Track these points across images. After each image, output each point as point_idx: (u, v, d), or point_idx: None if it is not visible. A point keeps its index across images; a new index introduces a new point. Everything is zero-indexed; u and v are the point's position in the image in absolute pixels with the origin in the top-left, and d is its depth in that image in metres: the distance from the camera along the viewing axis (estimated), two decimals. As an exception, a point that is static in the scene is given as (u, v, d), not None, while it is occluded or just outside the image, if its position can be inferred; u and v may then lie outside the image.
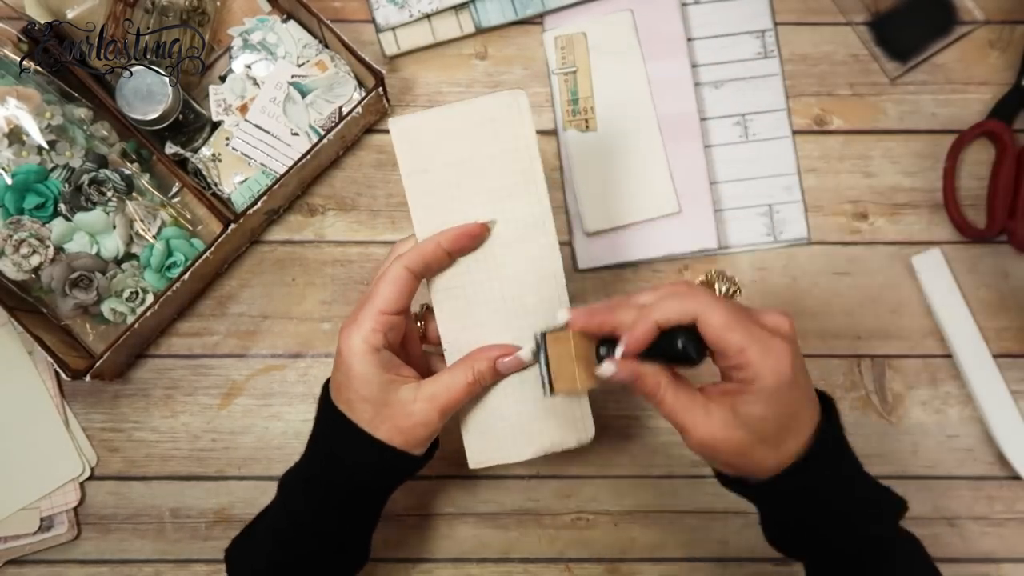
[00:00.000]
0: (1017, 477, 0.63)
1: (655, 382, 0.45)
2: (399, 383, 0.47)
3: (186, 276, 0.60)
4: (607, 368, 0.45)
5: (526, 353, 0.48)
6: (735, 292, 0.63)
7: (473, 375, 0.48)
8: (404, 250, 0.49)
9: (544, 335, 0.46)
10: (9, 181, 0.59)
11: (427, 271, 0.48)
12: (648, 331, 0.44)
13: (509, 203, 0.49)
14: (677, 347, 0.44)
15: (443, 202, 0.49)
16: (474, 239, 0.48)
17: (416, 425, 0.47)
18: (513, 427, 0.50)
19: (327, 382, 0.51)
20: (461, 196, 0.49)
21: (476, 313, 0.50)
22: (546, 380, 0.46)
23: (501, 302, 0.49)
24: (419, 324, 0.53)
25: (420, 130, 0.49)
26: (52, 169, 0.61)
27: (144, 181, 0.64)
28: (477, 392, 0.49)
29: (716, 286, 0.63)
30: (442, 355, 0.51)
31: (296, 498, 0.50)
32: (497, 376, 0.49)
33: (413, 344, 0.52)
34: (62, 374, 0.58)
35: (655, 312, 0.44)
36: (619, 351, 0.45)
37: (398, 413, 0.47)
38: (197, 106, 0.65)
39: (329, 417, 0.49)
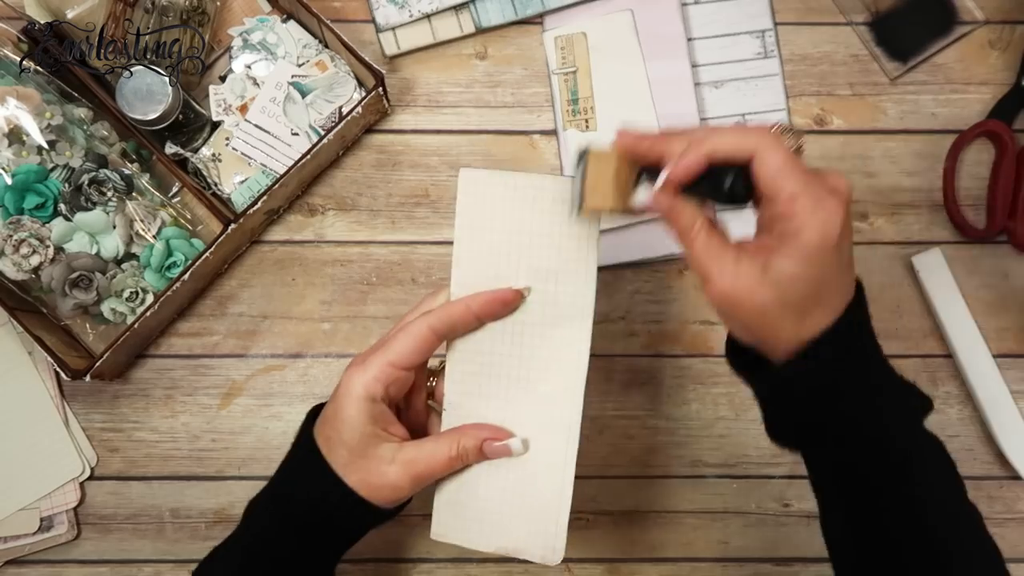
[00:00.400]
0: (1017, 477, 0.63)
1: (690, 222, 0.42)
2: (382, 439, 0.45)
3: (186, 276, 0.60)
4: (642, 194, 0.42)
5: (516, 444, 0.47)
6: (799, 149, 0.58)
7: (457, 450, 0.46)
8: (433, 304, 0.47)
9: (586, 151, 0.43)
10: (9, 181, 0.59)
11: (452, 333, 0.47)
12: (699, 160, 0.41)
13: (553, 286, 0.46)
14: (724, 184, 0.41)
15: (488, 265, 0.47)
16: (506, 306, 0.46)
17: (385, 486, 0.45)
18: (485, 512, 0.48)
19: (315, 408, 0.49)
20: (508, 265, 0.47)
21: (486, 385, 0.48)
22: (578, 196, 0.43)
23: (515, 382, 0.47)
24: (431, 380, 0.51)
25: (489, 185, 0.47)
26: (52, 169, 0.61)
27: (144, 181, 0.64)
28: (457, 467, 0.47)
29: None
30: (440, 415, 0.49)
31: (256, 524, 0.48)
32: (481, 457, 0.47)
33: (418, 397, 0.50)
34: (62, 374, 0.58)
35: (709, 142, 0.41)
36: (662, 176, 0.42)
37: (372, 468, 0.45)
38: (197, 106, 0.65)
39: (305, 447, 0.47)
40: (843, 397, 0.43)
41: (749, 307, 0.41)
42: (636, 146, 0.43)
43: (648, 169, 0.43)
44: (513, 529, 0.48)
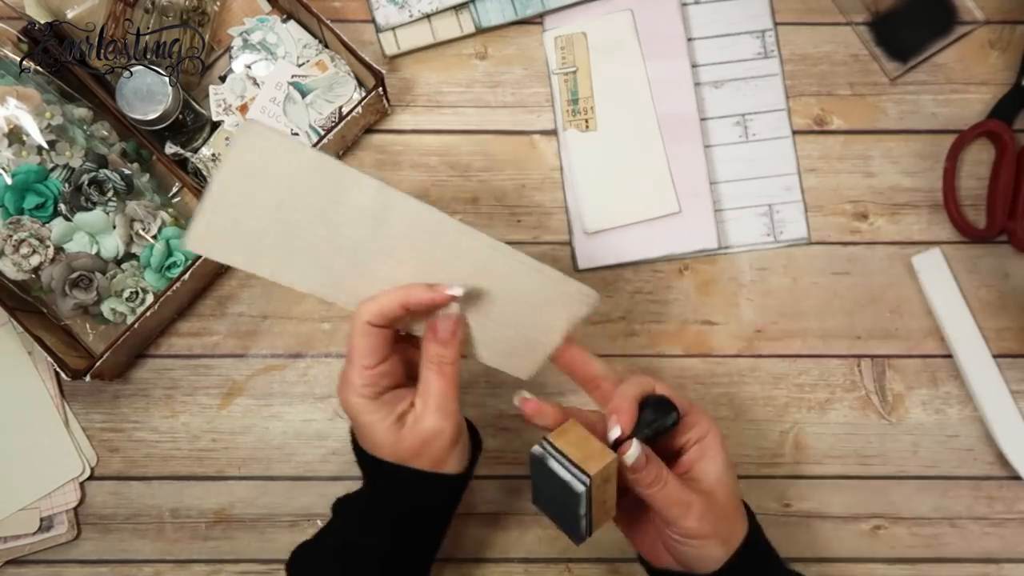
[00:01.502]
0: (1017, 477, 0.63)
1: (656, 472, 0.45)
2: (405, 414, 0.47)
3: (186, 276, 0.60)
4: (635, 451, 0.44)
5: (452, 309, 0.46)
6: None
7: (432, 360, 0.47)
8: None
9: (589, 480, 0.43)
10: (9, 181, 0.59)
11: (391, 323, 0.47)
12: (632, 408, 0.46)
13: (336, 208, 0.44)
14: (668, 417, 0.46)
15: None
16: (436, 307, 0.47)
17: (428, 440, 0.47)
18: (525, 335, 0.49)
19: (352, 428, 0.51)
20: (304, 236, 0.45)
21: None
22: (586, 524, 0.45)
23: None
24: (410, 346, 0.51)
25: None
26: (52, 169, 0.61)
27: (144, 181, 0.64)
28: (451, 372, 0.47)
29: None
30: None
31: (353, 531, 0.50)
32: (450, 344, 0.47)
33: (414, 361, 0.50)
34: (62, 374, 0.58)
35: (629, 389, 0.47)
36: (614, 432, 0.45)
37: (410, 440, 0.47)
38: (197, 106, 0.65)
39: (361, 459, 0.50)
40: None
41: (709, 537, 0.46)
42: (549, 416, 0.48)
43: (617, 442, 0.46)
44: (548, 319, 0.49)
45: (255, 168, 0.43)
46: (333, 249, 0.46)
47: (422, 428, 0.47)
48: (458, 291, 0.46)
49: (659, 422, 0.46)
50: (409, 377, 0.49)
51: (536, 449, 0.44)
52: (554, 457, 0.44)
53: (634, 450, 0.44)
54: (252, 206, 0.44)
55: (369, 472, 0.50)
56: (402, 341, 0.50)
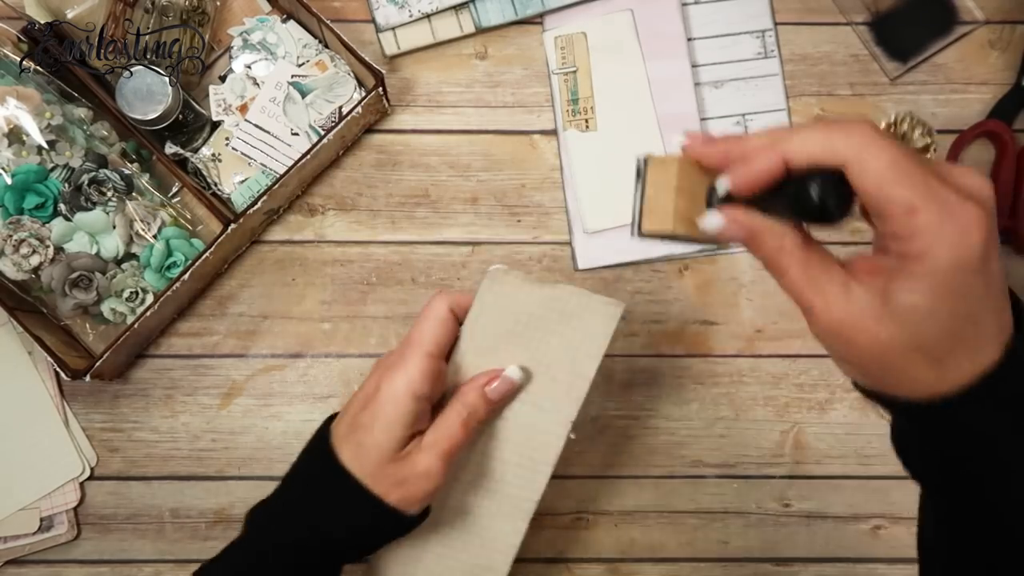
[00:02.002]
0: (1017, 477, 0.63)
1: (778, 244, 0.34)
2: (412, 438, 0.45)
3: (186, 276, 0.60)
4: (712, 220, 0.35)
5: (514, 371, 0.47)
6: (929, 148, 0.41)
7: (466, 410, 0.45)
8: (438, 307, 0.47)
9: (646, 159, 0.37)
10: (9, 181, 0.59)
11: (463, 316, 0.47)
12: (771, 165, 0.33)
13: (550, 385, 0.48)
14: (810, 198, 0.33)
15: (492, 345, 0.48)
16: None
17: (417, 476, 0.44)
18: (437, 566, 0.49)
19: (330, 418, 0.48)
20: (507, 352, 0.48)
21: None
22: (636, 213, 0.37)
23: (493, 443, 0.49)
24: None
25: (512, 286, 0.48)
26: (52, 169, 0.61)
27: (144, 181, 0.64)
28: (475, 428, 0.46)
29: (902, 133, 0.42)
30: None
31: (264, 541, 0.46)
32: (490, 405, 0.46)
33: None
34: (62, 374, 0.58)
35: (786, 142, 0.33)
36: (722, 184, 0.34)
37: (402, 466, 0.44)
38: (197, 106, 0.65)
39: (323, 462, 0.45)
40: (999, 447, 0.34)
41: (867, 347, 0.33)
42: (705, 152, 0.36)
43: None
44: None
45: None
46: None
47: (418, 462, 0.44)
48: (516, 373, 0.47)
49: (802, 198, 0.33)
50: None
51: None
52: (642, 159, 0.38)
53: (710, 219, 0.35)
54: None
55: (320, 482, 0.45)
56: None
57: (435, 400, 0.47)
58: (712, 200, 0.36)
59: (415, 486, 0.44)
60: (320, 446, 0.46)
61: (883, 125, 0.45)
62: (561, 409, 0.48)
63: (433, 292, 0.50)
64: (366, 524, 0.45)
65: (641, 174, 0.37)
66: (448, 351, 0.47)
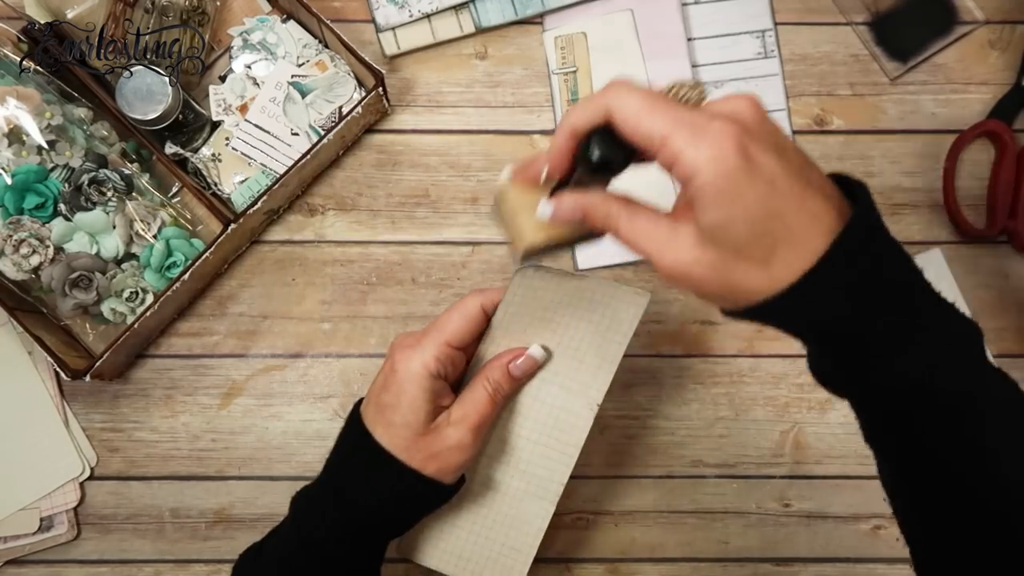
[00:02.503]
0: (1017, 477, 0.63)
1: (604, 210, 0.38)
2: (438, 412, 0.47)
3: (186, 276, 0.60)
4: (543, 209, 0.40)
5: (537, 350, 0.49)
6: (704, 97, 0.47)
7: (491, 385, 0.48)
8: (470, 304, 0.49)
9: (494, 202, 0.44)
10: (9, 181, 0.59)
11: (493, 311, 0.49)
12: (564, 140, 0.38)
13: (578, 367, 0.50)
14: (592, 153, 0.38)
15: (523, 332, 0.50)
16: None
17: (451, 450, 0.46)
18: (457, 541, 0.51)
19: (359, 403, 0.50)
20: (536, 337, 0.50)
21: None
22: (510, 248, 0.44)
23: (521, 421, 0.51)
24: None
25: (541, 281, 0.50)
26: (52, 169, 0.61)
27: (144, 181, 0.64)
28: (501, 403, 0.49)
29: (677, 94, 0.48)
30: None
31: (309, 523, 0.48)
32: (514, 382, 0.49)
33: (460, 375, 0.52)
34: (62, 374, 0.58)
35: (567, 119, 0.38)
36: (542, 174, 0.39)
37: (434, 441, 0.46)
38: (197, 106, 0.65)
39: (356, 441, 0.48)
40: (866, 339, 0.36)
41: (700, 273, 0.36)
42: (523, 172, 0.41)
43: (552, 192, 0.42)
44: (477, 563, 0.51)
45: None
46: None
47: (449, 436, 0.46)
48: (539, 352, 0.49)
49: (592, 160, 0.38)
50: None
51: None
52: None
53: (543, 211, 0.40)
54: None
55: (359, 458, 0.47)
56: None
57: (451, 381, 0.49)
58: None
59: (449, 458, 0.47)
60: (355, 429, 0.48)
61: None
62: (588, 391, 0.50)
63: (470, 292, 0.51)
64: (409, 495, 0.47)
65: (495, 216, 0.43)
66: (469, 345, 0.49)
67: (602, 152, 0.38)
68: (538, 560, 0.64)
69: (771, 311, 0.36)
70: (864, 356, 0.36)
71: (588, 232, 0.42)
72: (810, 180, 0.35)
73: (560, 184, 0.41)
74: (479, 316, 0.47)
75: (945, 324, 0.36)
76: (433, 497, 0.48)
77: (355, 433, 0.48)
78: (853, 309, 0.35)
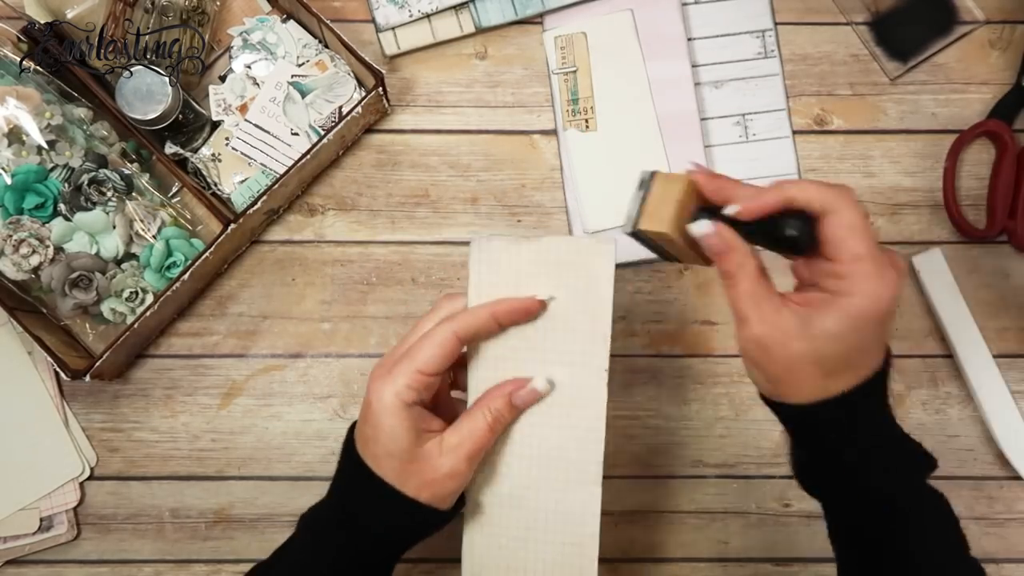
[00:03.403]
0: (1017, 477, 0.63)
1: (740, 261, 0.42)
2: (425, 439, 0.46)
3: (186, 276, 0.60)
4: (704, 226, 0.42)
5: (540, 383, 0.47)
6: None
7: (491, 415, 0.47)
8: (452, 308, 0.48)
9: (654, 172, 0.44)
10: (9, 181, 0.59)
11: (475, 339, 0.47)
12: (774, 202, 0.41)
13: (572, 336, 0.48)
14: (787, 231, 0.41)
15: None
16: (528, 314, 0.47)
17: (444, 477, 0.46)
18: (511, 568, 0.49)
19: (352, 428, 0.49)
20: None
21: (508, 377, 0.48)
22: (635, 213, 0.43)
23: (533, 415, 0.48)
24: (448, 373, 0.51)
25: (500, 252, 0.48)
26: (52, 169, 0.61)
27: (144, 181, 0.64)
28: (499, 432, 0.47)
29: None
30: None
31: (319, 543, 0.49)
32: (515, 412, 0.48)
33: (442, 391, 0.51)
34: (62, 374, 0.58)
35: (790, 187, 0.41)
36: (731, 208, 0.42)
37: (425, 468, 0.46)
38: (197, 106, 0.65)
39: (353, 468, 0.48)
40: (843, 454, 0.44)
41: (780, 356, 0.42)
42: (708, 182, 0.43)
43: (707, 210, 0.44)
44: (544, 573, 0.48)
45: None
46: None
47: (443, 464, 0.46)
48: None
49: (781, 230, 0.42)
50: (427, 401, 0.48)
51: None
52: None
53: (700, 226, 0.42)
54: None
55: (356, 485, 0.48)
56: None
57: (431, 403, 0.48)
58: (697, 217, 0.43)
59: (442, 486, 0.46)
60: (350, 455, 0.48)
61: None
62: (592, 361, 0.48)
63: (444, 295, 0.49)
64: (406, 523, 0.47)
65: (645, 184, 0.44)
66: (445, 369, 0.47)
67: (803, 238, 0.41)
68: (538, 560, 0.64)
69: (813, 408, 0.43)
70: (837, 466, 0.45)
71: (681, 254, 0.45)
72: (889, 332, 0.43)
73: (704, 210, 0.44)
74: (453, 344, 0.46)
75: (906, 455, 0.45)
76: (431, 523, 0.48)
77: (352, 461, 0.48)
78: (869, 420, 0.44)
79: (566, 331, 0.48)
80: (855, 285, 0.40)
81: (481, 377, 0.48)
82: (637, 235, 0.45)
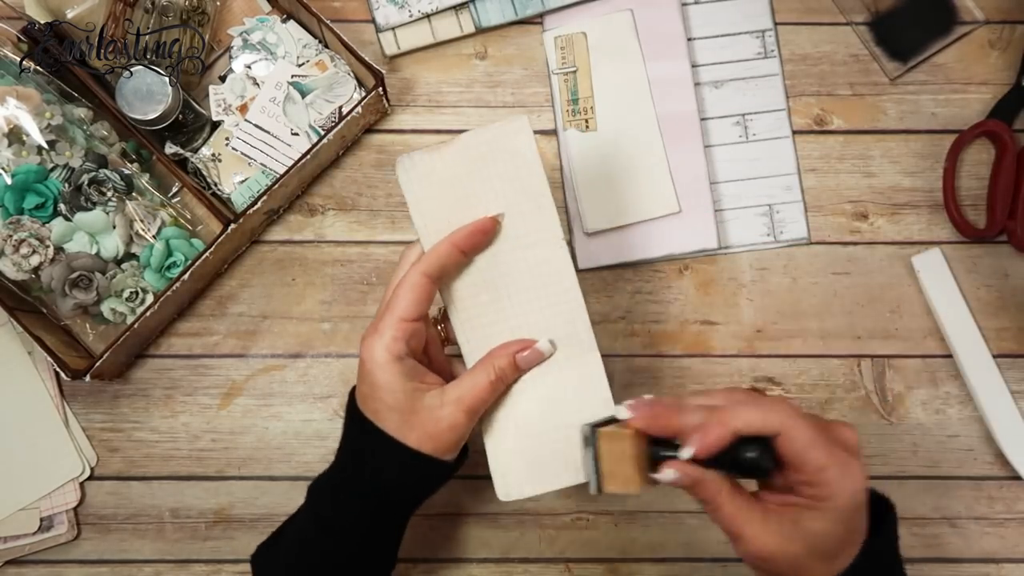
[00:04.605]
0: (1017, 477, 0.63)
1: (716, 488, 0.44)
2: (424, 390, 0.47)
3: (186, 276, 0.60)
4: (669, 474, 0.43)
5: (544, 345, 0.49)
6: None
7: (495, 373, 0.48)
8: (413, 257, 0.49)
9: (594, 429, 0.44)
10: (9, 181, 0.59)
11: (444, 273, 0.48)
12: (723, 437, 0.43)
13: (521, 220, 0.49)
14: (748, 457, 0.43)
15: (451, 225, 0.49)
16: (487, 234, 0.48)
17: (445, 429, 0.47)
18: (540, 451, 0.49)
19: (353, 390, 0.50)
20: (468, 211, 0.49)
21: (489, 314, 0.50)
22: (594, 477, 0.44)
23: (514, 303, 0.50)
24: (439, 328, 0.53)
25: (427, 165, 0.49)
26: (52, 169, 0.61)
27: (144, 181, 0.64)
28: (501, 390, 0.49)
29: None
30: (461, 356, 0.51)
31: (325, 505, 0.50)
32: (518, 372, 0.49)
33: (435, 349, 0.52)
34: (62, 374, 0.58)
35: (734, 419, 0.43)
36: (686, 452, 0.43)
37: (426, 420, 0.47)
38: (197, 106, 0.65)
39: (357, 425, 0.49)
40: None
41: (783, 561, 0.44)
42: (650, 425, 0.44)
43: (659, 441, 0.44)
44: (577, 456, 0.48)
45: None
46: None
47: (444, 416, 0.47)
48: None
49: (741, 455, 0.43)
50: (420, 359, 0.49)
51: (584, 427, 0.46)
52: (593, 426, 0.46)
53: (666, 475, 0.43)
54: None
55: (362, 441, 0.49)
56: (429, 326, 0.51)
57: (422, 352, 0.49)
58: (655, 455, 0.44)
59: (443, 437, 0.47)
60: (353, 415, 0.49)
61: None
62: (546, 234, 0.49)
63: (404, 249, 0.51)
64: (410, 474, 0.48)
65: (590, 442, 0.44)
66: (425, 311, 0.49)
67: (765, 464, 0.43)
68: (538, 560, 0.64)
69: None
70: None
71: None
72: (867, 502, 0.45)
73: (656, 441, 0.44)
74: (425, 285, 0.47)
75: None
76: (435, 473, 0.49)
77: (356, 420, 0.49)
78: None
79: (513, 217, 0.49)
80: (828, 490, 0.42)
81: (460, 300, 0.50)
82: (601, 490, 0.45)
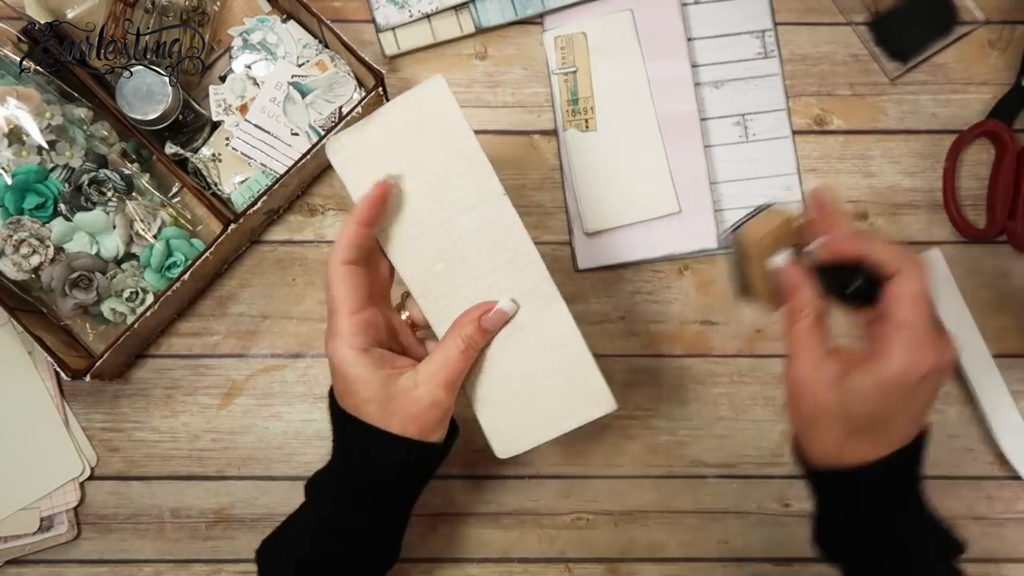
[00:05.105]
0: (1017, 477, 0.63)
1: (805, 302, 0.44)
2: (397, 375, 0.47)
3: (186, 276, 0.60)
4: (782, 259, 0.45)
5: (506, 304, 0.48)
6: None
7: (464, 341, 0.48)
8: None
9: (768, 204, 0.48)
10: (9, 181, 0.59)
11: (361, 252, 0.48)
12: (854, 249, 0.44)
13: (458, 182, 0.49)
14: (854, 283, 0.44)
15: (391, 199, 0.49)
16: (383, 200, 0.48)
17: (426, 408, 0.47)
18: (528, 405, 0.50)
19: (331, 390, 0.50)
20: (409, 191, 0.49)
21: (447, 282, 0.49)
22: (739, 224, 0.48)
23: (470, 265, 0.49)
24: (404, 313, 0.53)
25: (356, 143, 0.49)
26: (52, 169, 0.61)
27: (144, 181, 0.64)
28: (473, 357, 0.49)
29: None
30: (435, 337, 0.51)
31: (324, 500, 0.50)
32: (486, 335, 0.49)
33: (405, 335, 0.52)
34: (62, 374, 0.58)
35: (870, 243, 0.43)
36: (815, 244, 0.45)
37: (405, 403, 0.47)
38: (197, 106, 0.65)
39: (340, 423, 0.49)
40: (869, 536, 0.45)
41: (811, 401, 0.43)
42: (818, 213, 0.46)
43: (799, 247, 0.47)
44: (561, 404, 0.49)
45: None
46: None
47: (422, 395, 0.47)
48: (508, 305, 0.49)
49: (849, 277, 0.44)
50: (391, 348, 0.50)
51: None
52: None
53: (779, 258, 0.45)
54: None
55: (348, 437, 0.49)
56: (382, 304, 0.51)
57: (386, 342, 0.49)
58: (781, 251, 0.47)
59: (426, 417, 0.47)
60: (336, 414, 0.49)
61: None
62: (485, 191, 0.49)
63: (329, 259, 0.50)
64: (399, 460, 0.48)
65: (758, 210, 0.48)
66: (367, 297, 0.48)
67: (863, 293, 0.44)
68: (538, 560, 0.64)
69: (842, 475, 0.44)
70: (860, 547, 0.46)
71: (757, 285, 0.48)
72: (922, 412, 0.44)
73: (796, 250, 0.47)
74: (350, 271, 0.47)
75: (934, 538, 0.46)
76: (425, 458, 0.49)
77: (339, 418, 0.49)
78: (878, 506, 0.45)
79: (449, 179, 0.49)
80: (892, 349, 0.41)
81: (416, 276, 0.50)
82: (732, 245, 0.48)
